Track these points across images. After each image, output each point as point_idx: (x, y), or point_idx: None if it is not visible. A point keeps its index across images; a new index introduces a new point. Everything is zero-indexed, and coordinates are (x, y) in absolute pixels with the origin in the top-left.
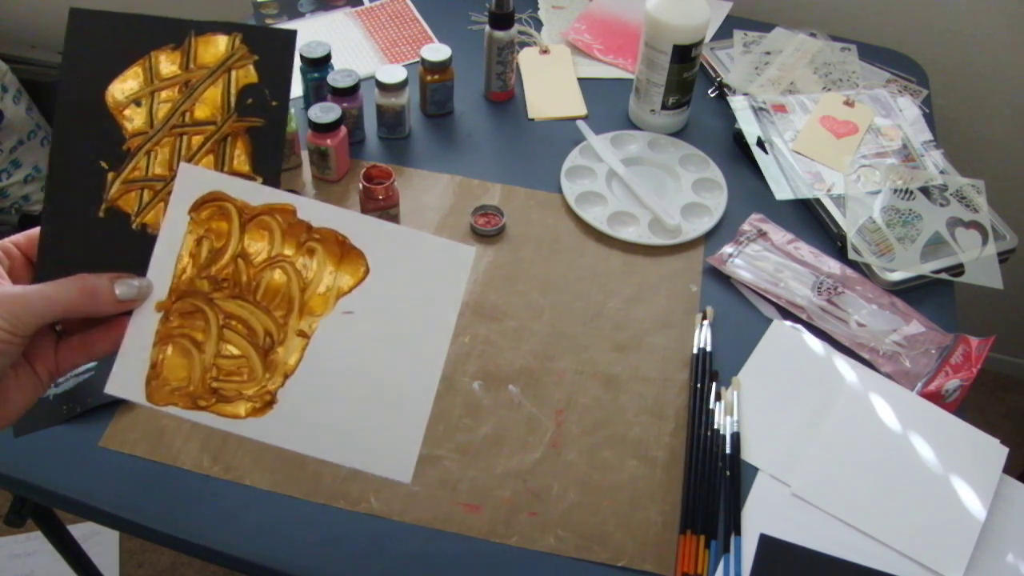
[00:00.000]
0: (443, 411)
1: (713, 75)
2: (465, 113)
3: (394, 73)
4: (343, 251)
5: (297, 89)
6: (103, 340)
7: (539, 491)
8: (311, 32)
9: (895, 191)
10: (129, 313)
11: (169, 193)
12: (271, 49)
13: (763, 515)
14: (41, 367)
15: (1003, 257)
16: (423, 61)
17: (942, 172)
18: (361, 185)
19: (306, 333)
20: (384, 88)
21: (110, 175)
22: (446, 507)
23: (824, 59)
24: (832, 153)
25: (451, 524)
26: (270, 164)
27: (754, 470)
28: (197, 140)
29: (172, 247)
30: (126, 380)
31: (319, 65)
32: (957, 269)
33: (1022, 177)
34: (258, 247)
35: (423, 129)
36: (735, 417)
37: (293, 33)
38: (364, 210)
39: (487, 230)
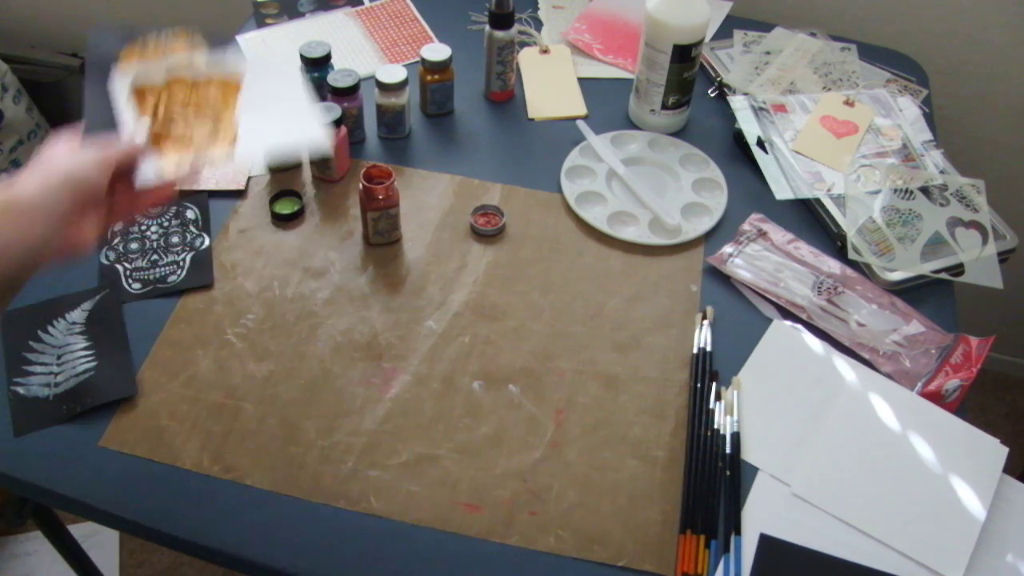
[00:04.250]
0: (443, 411)
1: (713, 75)
2: (465, 113)
3: (394, 73)
4: None
5: None
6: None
7: (539, 491)
8: (311, 32)
9: (895, 191)
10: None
11: None
12: None
13: (763, 515)
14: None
15: (1003, 257)
16: (423, 61)
17: (942, 172)
18: (361, 185)
19: None
20: (384, 88)
21: None
22: (446, 507)
23: (824, 59)
24: (832, 153)
25: (451, 524)
26: None
27: (754, 470)
28: None
29: None
30: None
31: (319, 65)
32: (957, 269)
33: (1022, 177)
34: None
35: (423, 129)
36: (735, 417)
37: None
38: (364, 210)
39: (487, 230)
